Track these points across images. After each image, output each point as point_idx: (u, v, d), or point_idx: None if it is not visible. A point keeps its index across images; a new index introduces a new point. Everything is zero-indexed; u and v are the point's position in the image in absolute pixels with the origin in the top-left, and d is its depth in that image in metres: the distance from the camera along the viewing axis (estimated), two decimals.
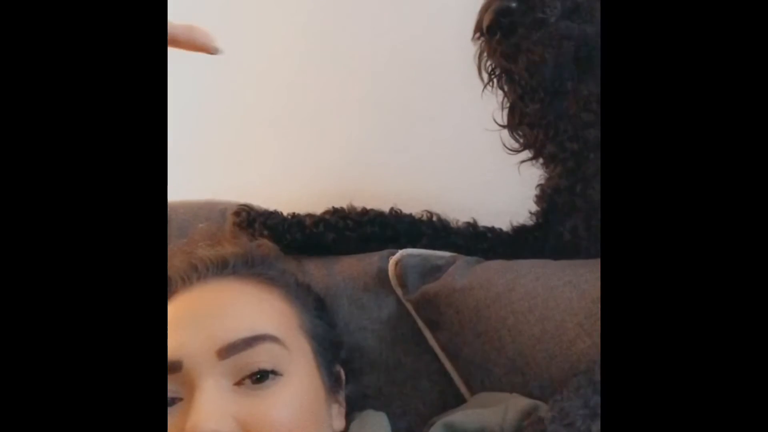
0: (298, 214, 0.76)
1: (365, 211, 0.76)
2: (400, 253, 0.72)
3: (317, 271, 0.74)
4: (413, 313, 0.71)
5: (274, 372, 0.56)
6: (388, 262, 0.72)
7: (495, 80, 0.68)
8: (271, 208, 0.76)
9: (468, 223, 0.77)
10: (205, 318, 0.58)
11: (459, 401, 0.66)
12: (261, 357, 0.56)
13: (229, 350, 0.56)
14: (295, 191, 0.90)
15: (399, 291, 0.71)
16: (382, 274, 0.72)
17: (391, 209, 0.76)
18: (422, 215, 0.77)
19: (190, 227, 0.75)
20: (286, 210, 0.76)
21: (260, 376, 0.56)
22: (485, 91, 0.68)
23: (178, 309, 0.59)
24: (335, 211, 0.76)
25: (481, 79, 0.68)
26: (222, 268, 0.62)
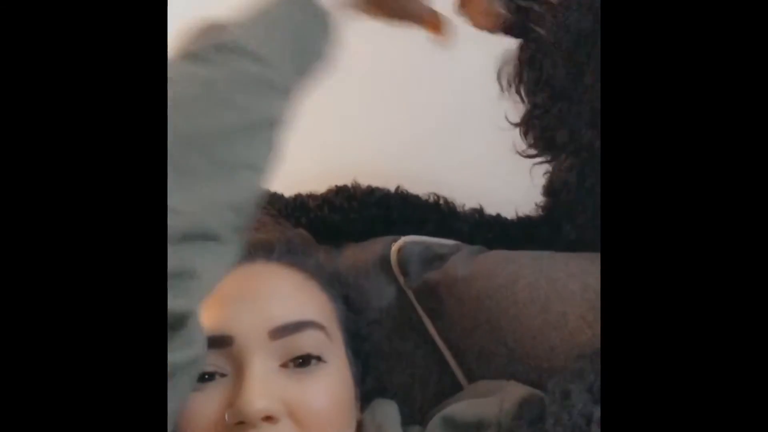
0: (301, 196, 0.75)
1: (370, 190, 0.75)
2: (403, 239, 0.72)
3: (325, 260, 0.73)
4: (414, 301, 0.70)
5: (318, 358, 0.57)
6: (390, 248, 0.71)
7: (513, 85, 0.67)
8: (273, 186, 0.75)
9: (474, 209, 0.76)
10: (259, 298, 0.59)
11: (457, 391, 0.66)
12: (308, 342, 0.57)
13: (281, 332, 0.57)
14: (299, 169, 0.89)
15: (401, 278, 0.71)
16: (384, 261, 0.71)
17: (397, 188, 0.75)
18: (429, 197, 0.76)
19: None
20: (288, 189, 0.75)
21: (303, 361, 0.57)
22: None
23: (229, 285, 0.59)
24: (339, 191, 0.74)
25: (500, 85, 0.68)
26: (269, 253, 0.63)
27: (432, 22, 0.63)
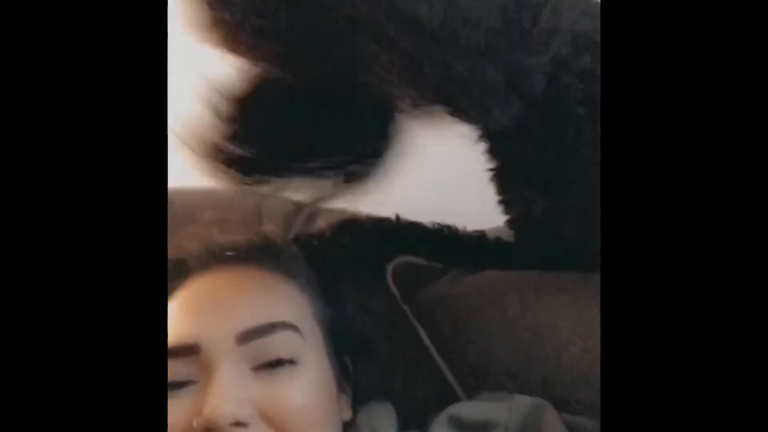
0: (300, 237, 0.72)
1: (369, 221, 0.74)
2: (399, 258, 0.72)
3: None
4: (410, 317, 0.71)
5: (291, 361, 0.56)
6: (386, 266, 0.72)
7: None
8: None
9: (477, 231, 0.76)
10: (224, 303, 0.58)
11: (455, 399, 0.66)
12: (279, 345, 0.57)
13: (248, 336, 0.56)
14: None
15: (397, 295, 0.71)
16: (380, 276, 0.71)
17: (397, 217, 0.75)
18: (432, 225, 0.75)
19: (192, 214, 0.75)
20: None
21: (274, 364, 0.56)
22: None
23: (196, 292, 0.59)
24: (341, 226, 0.73)
25: None
26: (238, 255, 0.63)
27: None
